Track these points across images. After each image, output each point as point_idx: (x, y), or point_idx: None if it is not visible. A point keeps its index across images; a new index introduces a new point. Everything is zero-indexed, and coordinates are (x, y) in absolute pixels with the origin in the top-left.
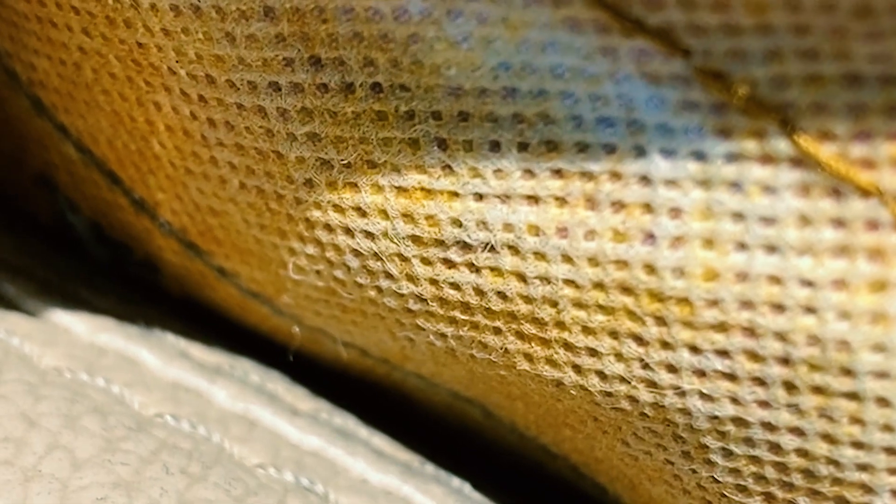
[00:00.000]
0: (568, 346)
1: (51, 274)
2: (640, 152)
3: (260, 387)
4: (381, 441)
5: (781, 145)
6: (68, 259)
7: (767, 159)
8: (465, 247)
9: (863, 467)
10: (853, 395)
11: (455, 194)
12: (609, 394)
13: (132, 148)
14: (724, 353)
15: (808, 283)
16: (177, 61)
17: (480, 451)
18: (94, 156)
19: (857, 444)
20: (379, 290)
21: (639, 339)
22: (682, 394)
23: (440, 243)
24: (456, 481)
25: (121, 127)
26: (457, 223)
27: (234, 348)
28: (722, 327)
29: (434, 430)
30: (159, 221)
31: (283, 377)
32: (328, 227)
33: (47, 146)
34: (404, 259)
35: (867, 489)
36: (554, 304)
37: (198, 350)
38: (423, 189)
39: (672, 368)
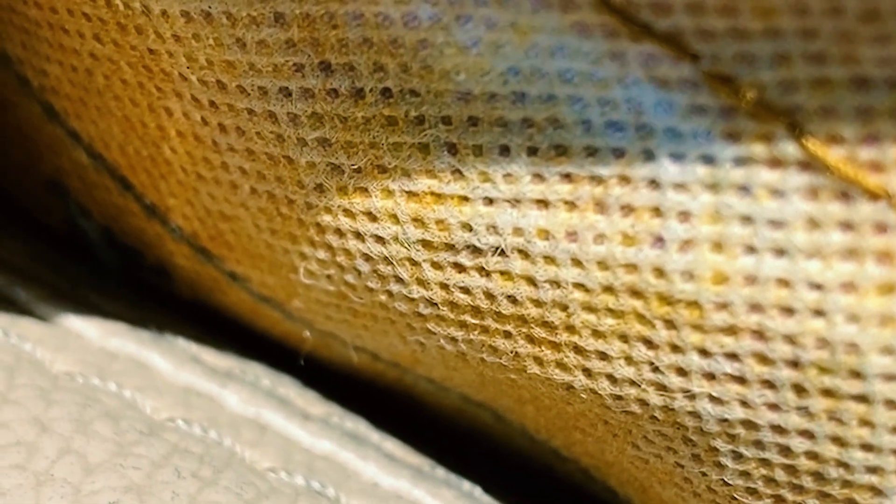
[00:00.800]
0: (578, 349)
1: (62, 279)
2: (649, 156)
3: (271, 391)
4: (391, 445)
5: (790, 149)
6: (79, 264)
7: (776, 163)
8: (476, 251)
9: (872, 470)
10: (862, 398)
11: (465, 199)
12: (619, 397)
13: (143, 153)
14: (733, 356)
15: (817, 286)
16: (188, 67)
17: (491, 455)
18: (106, 161)
19: (867, 447)
20: (389, 294)
21: (648, 343)
22: (691, 397)
23: (450, 247)
24: (466, 485)
25: (132, 133)
26: (467, 227)
27: (246, 353)
28: (731, 330)
29: (444, 434)
30: (170, 226)
31: (295, 381)
32: (339, 232)
33: (59, 152)
34: (415, 263)
35: (877, 491)
36: (564, 308)
37: (209, 354)
38: (433, 193)
39: (682, 371)
